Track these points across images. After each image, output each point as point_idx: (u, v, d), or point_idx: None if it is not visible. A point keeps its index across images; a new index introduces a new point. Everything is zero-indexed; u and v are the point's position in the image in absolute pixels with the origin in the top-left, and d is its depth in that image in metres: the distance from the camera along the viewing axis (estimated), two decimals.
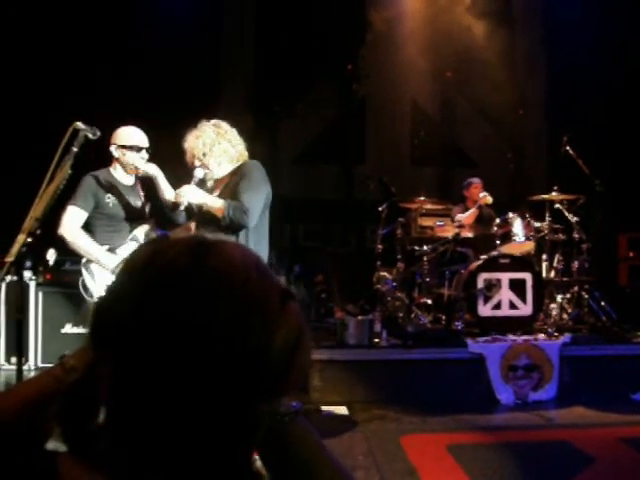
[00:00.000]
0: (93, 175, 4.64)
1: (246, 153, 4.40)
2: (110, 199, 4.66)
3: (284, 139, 10.46)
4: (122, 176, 4.76)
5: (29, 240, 3.02)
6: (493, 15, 10.03)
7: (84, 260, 4.62)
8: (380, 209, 7.48)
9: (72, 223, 4.52)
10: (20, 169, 7.78)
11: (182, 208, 4.29)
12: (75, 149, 3.61)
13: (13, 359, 7.09)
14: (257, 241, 4.35)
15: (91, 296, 4.59)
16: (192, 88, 9.42)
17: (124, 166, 4.72)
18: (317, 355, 6.23)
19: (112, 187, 4.69)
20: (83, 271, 4.62)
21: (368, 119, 10.61)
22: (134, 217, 4.77)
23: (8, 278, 7.29)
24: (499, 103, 9.93)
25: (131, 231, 4.76)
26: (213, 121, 4.40)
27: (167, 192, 4.59)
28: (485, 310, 6.76)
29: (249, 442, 0.97)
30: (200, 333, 0.88)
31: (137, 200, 4.82)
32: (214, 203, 4.17)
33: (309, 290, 7.89)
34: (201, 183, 4.40)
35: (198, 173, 4.30)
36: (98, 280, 4.60)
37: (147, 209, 4.90)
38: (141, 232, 4.79)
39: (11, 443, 1.01)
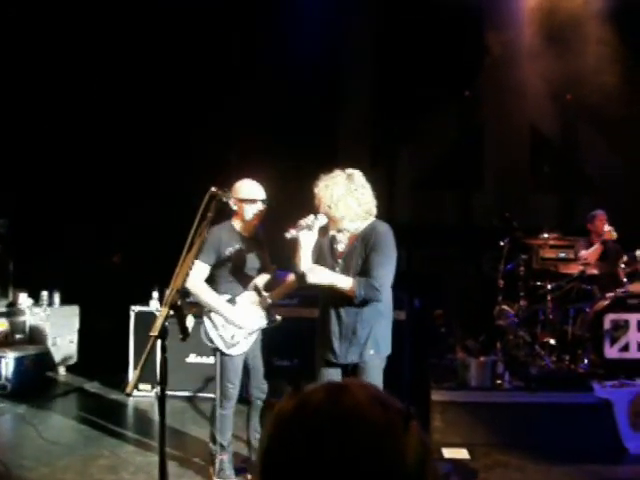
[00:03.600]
0: (215, 230, 4.86)
1: (374, 211, 4.40)
2: (231, 252, 4.90)
3: (402, 165, 10.48)
4: (242, 228, 4.98)
5: (172, 312, 3.18)
6: (612, 34, 9.72)
7: (206, 309, 4.89)
8: (501, 244, 7.39)
9: (196, 277, 4.74)
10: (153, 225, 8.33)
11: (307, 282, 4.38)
12: (211, 214, 3.78)
13: (141, 386, 7.39)
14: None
15: (212, 343, 4.87)
16: (310, 114, 9.60)
17: (243, 218, 4.92)
18: (438, 396, 6.24)
19: (233, 240, 4.93)
20: (205, 321, 4.90)
21: (487, 145, 10.46)
22: (254, 267, 5.01)
23: (137, 308, 7.68)
24: (624, 127, 9.61)
25: (251, 280, 4.99)
26: (349, 172, 4.34)
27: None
28: (612, 352, 6.58)
29: None
30: (346, 464, 1.07)
31: (258, 250, 5.04)
32: (344, 283, 4.22)
33: (428, 324, 7.86)
34: (323, 230, 4.46)
35: (322, 219, 4.33)
36: (220, 329, 4.87)
37: (267, 258, 5.12)
38: (261, 281, 5.03)
39: None
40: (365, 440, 1.08)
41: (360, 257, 4.29)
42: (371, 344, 4.39)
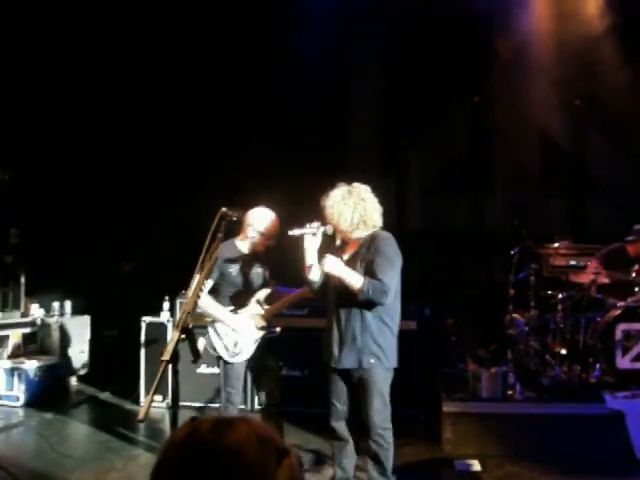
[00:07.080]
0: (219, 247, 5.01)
1: (373, 222, 4.52)
2: (233, 268, 5.11)
3: (413, 172, 10.48)
4: (246, 247, 5.20)
5: (183, 336, 3.19)
6: (623, 41, 9.68)
7: (210, 320, 5.12)
8: (512, 253, 7.35)
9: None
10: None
11: (316, 279, 4.54)
12: (221, 235, 3.79)
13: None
14: (389, 307, 4.46)
15: (216, 352, 5.12)
16: (320, 121, 9.62)
17: (252, 244, 5.15)
18: (449, 407, 6.23)
19: (236, 257, 5.12)
20: (210, 331, 5.13)
21: (496, 150, 10.44)
22: (256, 283, 5.24)
23: (148, 319, 7.68)
24: (633, 131, 9.57)
25: (253, 295, 5.21)
26: (353, 185, 4.56)
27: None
28: (624, 362, 6.54)
29: None
30: None
31: (258, 267, 5.26)
32: (354, 280, 4.32)
33: (439, 334, 7.85)
34: (330, 239, 4.71)
35: (328, 229, 4.57)
36: (224, 339, 5.09)
37: (267, 274, 5.34)
38: (262, 295, 5.26)
39: None
40: (238, 477, 1.19)
41: (361, 264, 4.41)
42: (371, 353, 4.41)
